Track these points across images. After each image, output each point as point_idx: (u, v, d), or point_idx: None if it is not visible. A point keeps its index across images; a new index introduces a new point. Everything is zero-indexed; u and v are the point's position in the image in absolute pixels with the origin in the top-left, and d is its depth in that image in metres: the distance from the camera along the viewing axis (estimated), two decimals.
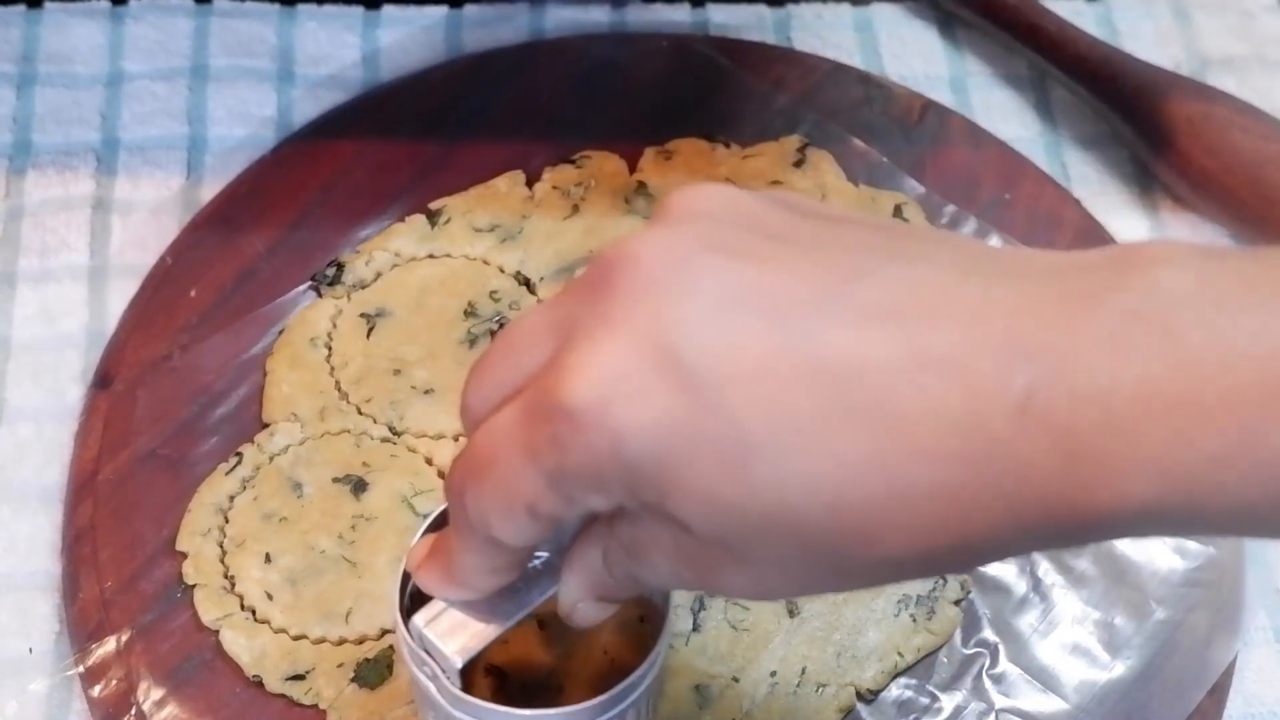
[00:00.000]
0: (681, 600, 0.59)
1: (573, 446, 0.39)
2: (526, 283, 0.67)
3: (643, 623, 0.52)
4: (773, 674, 0.58)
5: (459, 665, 0.47)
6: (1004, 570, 0.61)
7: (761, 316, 0.38)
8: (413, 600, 0.48)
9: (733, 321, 0.38)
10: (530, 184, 0.70)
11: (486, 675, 0.52)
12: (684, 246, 0.39)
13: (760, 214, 0.41)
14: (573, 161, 0.71)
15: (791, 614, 0.59)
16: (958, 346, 0.37)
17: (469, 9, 0.78)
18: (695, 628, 0.59)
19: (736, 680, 0.58)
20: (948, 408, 0.37)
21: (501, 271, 0.67)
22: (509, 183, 0.70)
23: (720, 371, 0.38)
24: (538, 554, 0.47)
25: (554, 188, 0.70)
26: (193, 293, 0.67)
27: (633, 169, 0.70)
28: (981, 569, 0.61)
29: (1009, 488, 0.37)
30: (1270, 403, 0.35)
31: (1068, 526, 0.37)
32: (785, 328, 0.38)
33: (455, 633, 0.47)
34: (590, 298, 0.40)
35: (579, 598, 0.46)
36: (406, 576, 0.49)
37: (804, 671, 0.58)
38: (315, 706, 0.57)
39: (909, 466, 0.37)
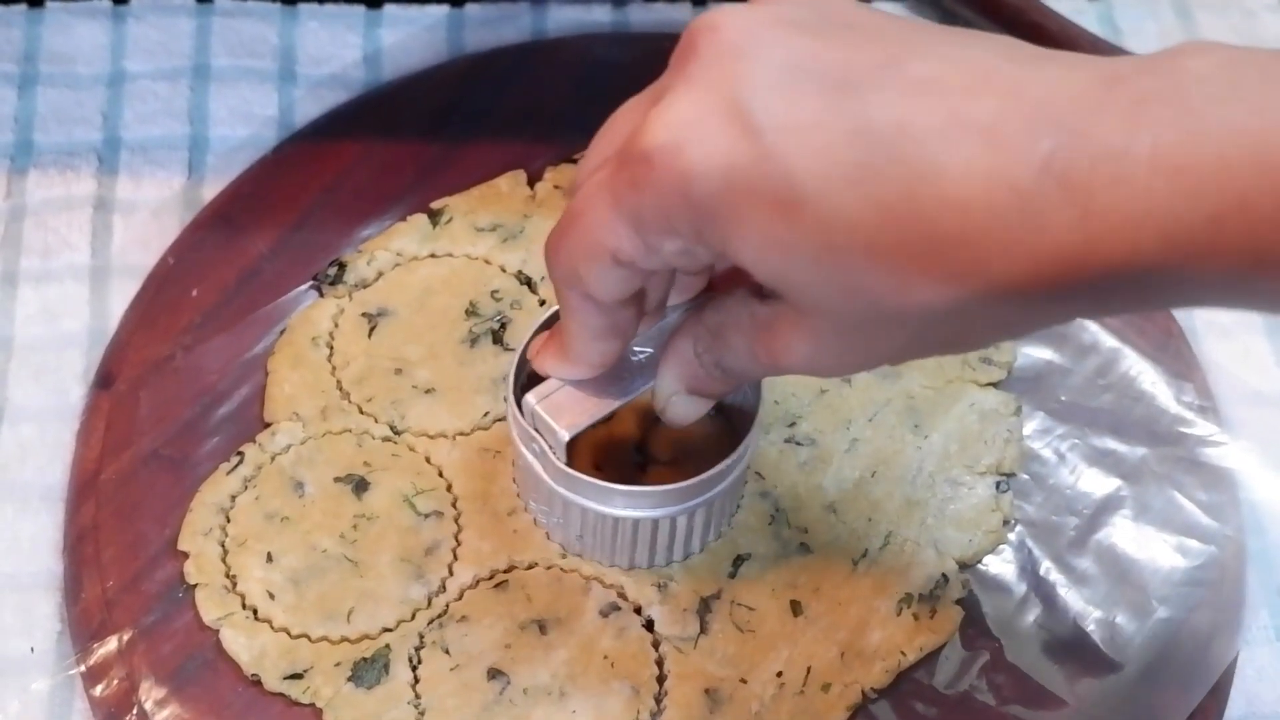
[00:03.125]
0: (688, 605, 0.59)
1: (648, 185, 0.45)
2: (528, 282, 0.67)
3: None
4: (779, 674, 0.58)
5: (566, 439, 0.54)
6: (1005, 569, 0.61)
7: (820, 83, 0.43)
8: (524, 391, 0.55)
9: (795, 84, 0.43)
10: (532, 184, 0.70)
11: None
12: (759, 19, 0.45)
13: (831, 2, 0.46)
14: (574, 161, 0.71)
15: (796, 614, 0.59)
16: (992, 114, 0.42)
17: (471, 8, 0.78)
18: (702, 630, 0.59)
19: (745, 682, 0.58)
20: (977, 164, 0.41)
21: (503, 271, 0.67)
22: (511, 182, 0.70)
23: (779, 124, 0.43)
24: (641, 350, 0.55)
25: (556, 187, 0.70)
26: (194, 292, 0.67)
27: None
28: (983, 569, 0.61)
29: (1028, 239, 0.41)
30: (1263, 172, 0.39)
31: (1081, 280, 0.41)
32: (840, 92, 0.43)
33: (563, 411, 0.54)
34: (677, 66, 0.46)
35: (673, 390, 0.53)
36: (520, 367, 0.56)
37: (809, 671, 0.58)
38: (313, 705, 0.57)
39: (938, 213, 0.42)
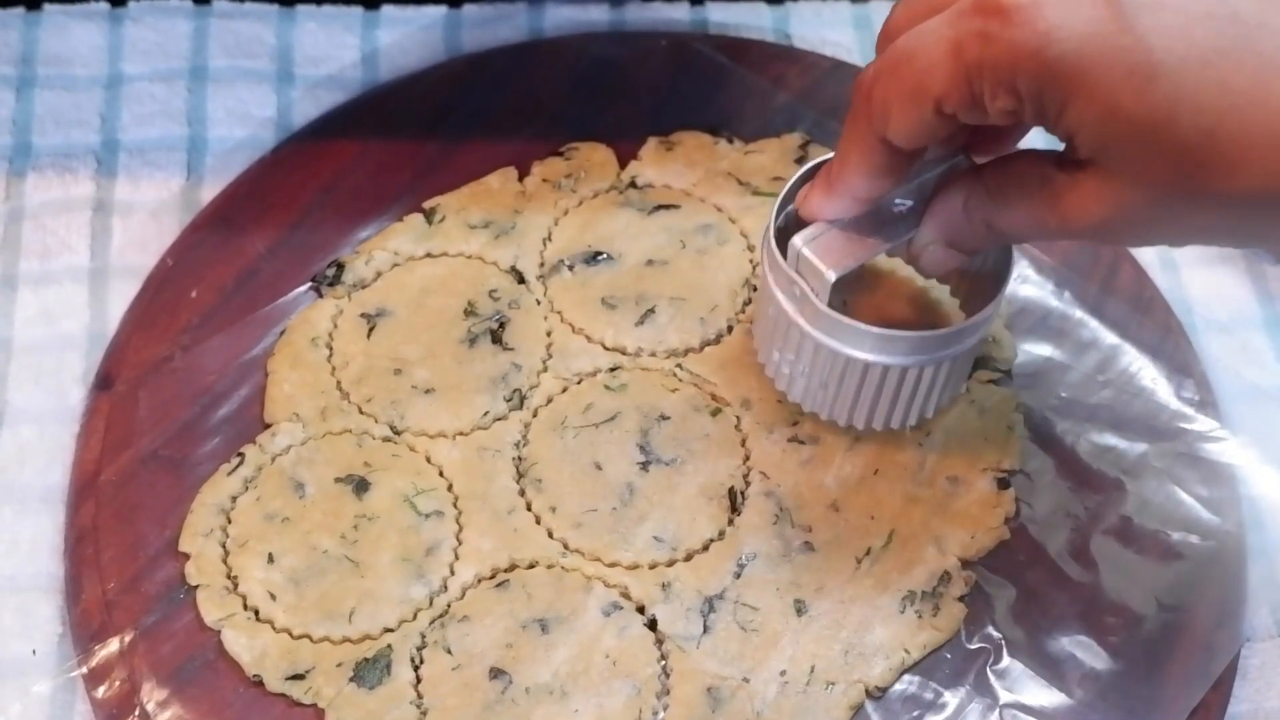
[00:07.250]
0: (691, 604, 0.59)
1: (999, 40, 0.46)
2: (520, 277, 0.67)
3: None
4: (782, 673, 0.58)
5: (832, 278, 0.56)
6: (1006, 566, 0.61)
7: None
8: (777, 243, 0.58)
9: None
10: (521, 179, 0.70)
11: None
12: None
13: None
14: (561, 154, 0.71)
15: (799, 613, 0.59)
16: None
17: (468, 8, 0.78)
18: (705, 630, 0.59)
19: (747, 681, 0.58)
20: None
21: (497, 267, 0.67)
22: (501, 179, 0.70)
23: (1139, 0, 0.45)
24: (901, 201, 0.57)
25: (544, 181, 0.70)
26: (194, 294, 0.67)
27: (624, 166, 0.71)
28: (984, 565, 0.61)
29: None
30: None
31: None
32: None
33: (830, 253, 0.56)
34: None
35: (933, 240, 0.55)
36: (777, 217, 0.58)
37: (812, 670, 0.58)
38: (315, 706, 0.57)
39: None
